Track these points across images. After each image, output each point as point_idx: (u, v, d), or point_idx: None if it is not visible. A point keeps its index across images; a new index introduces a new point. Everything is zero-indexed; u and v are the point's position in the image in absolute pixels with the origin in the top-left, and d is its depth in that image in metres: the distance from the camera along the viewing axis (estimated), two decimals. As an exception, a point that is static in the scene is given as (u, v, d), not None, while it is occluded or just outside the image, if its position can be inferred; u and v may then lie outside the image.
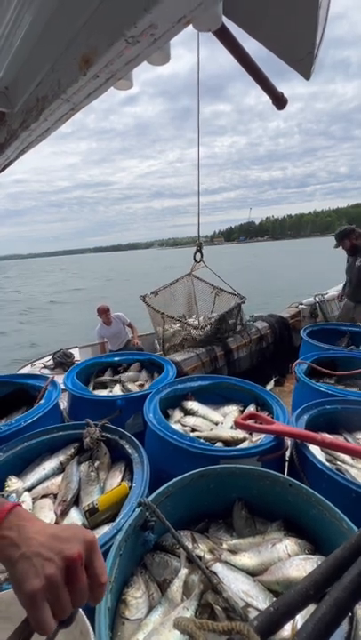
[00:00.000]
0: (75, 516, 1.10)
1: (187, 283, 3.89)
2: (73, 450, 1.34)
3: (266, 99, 1.37)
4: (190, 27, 0.66)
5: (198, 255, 3.53)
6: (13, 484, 1.18)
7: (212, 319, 3.32)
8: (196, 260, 3.59)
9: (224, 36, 1.15)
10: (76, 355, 4.13)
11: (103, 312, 3.95)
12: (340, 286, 4.05)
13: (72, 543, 0.41)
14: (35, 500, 1.17)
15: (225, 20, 1.06)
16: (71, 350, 4.21)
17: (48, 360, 4.08)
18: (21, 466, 1.29)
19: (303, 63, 1.10)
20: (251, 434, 1.43)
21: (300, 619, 0.53)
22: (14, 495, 1.13)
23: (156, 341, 3.84)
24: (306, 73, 1.12)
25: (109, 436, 1.33)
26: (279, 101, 1.43)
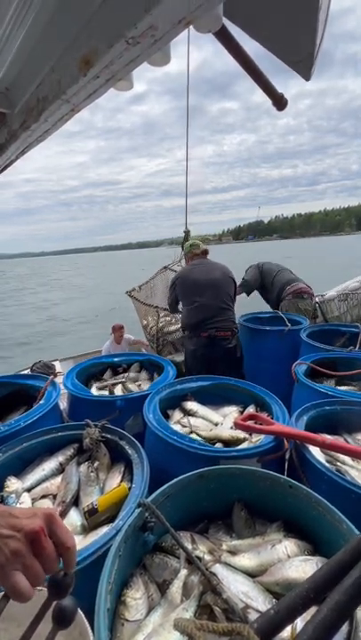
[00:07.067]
0: (74, 517, 1.10)
1: (163, 277, 3.93)
2: (72, 450, 1.34)
3: (273, 96, 1.37)
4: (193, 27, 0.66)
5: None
6: (13, 484, 1.17)
7: None
8: (183, 250, 3.60)
9: (224, 38, 1.16)
10: (58, 367, 4.09)
11: (117, 330, 4.10)
12: (341, 287, 4.04)
13: (32, 519, 0.45)
14: (34, 500, 1.16)
15: (226, 21, 1.06)
16: (52, 362, 4.17)
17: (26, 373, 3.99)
18: (21, 466, 1.29)
19: (303, 64, 1.10)
20: (250, 434, 1.43)
21: (300, 621, 0.53)
22: (13, 496, 1.13)
23: (144, 336, 3.85)
24: (306, 74, 1.13)
25: (109, 436, 1.33)
26: (279, 103, 1.43)
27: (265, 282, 3.68)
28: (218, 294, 2.54)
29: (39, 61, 0.76)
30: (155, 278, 3.99)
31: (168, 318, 3.47)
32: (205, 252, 2.86)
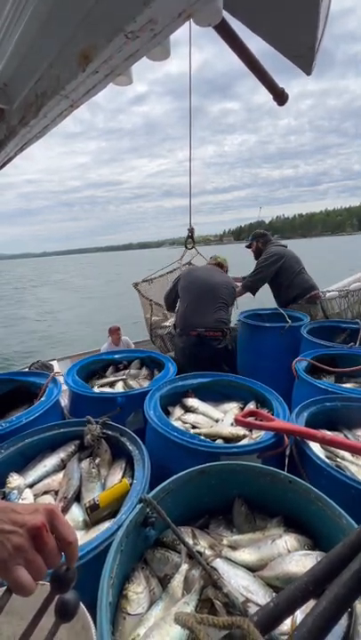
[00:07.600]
0: (76, 513, 1.10)
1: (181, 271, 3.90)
2: (74, 447, 1.35)
3: (274, 96, 1.37)
4: (194, 25, 0.66)
5: (190, 242, 3.51)
6: (15, 480, 1.18)
7: None
8: (187, 247, 3.59)
9: (225, 31, 1.14)
10: (56, 367, 4.09)
11: (114, 331, 4.06)
12: (342, 283, 4.03)
13: (34, 514, 0.46)
14: (36, 496, 1.17)
15: (226, 15, 1.05)
16: (50, 362, 4.16)
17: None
18: (22, 462, 1.30)
19: (304, 58, 1.09)
20: (251, 431, 1.44)
21: (299, 614, 0.54)
22: (16, 492, 1.14)
23: (146, 330, 3.86)
24: (307, 68, 1.12)
25: (110, 433, 1.34)
26: (280, 97, 1.42)
27: (282, 278, 3.35)
28: (213, 295, 2.58)
29: (38, 56, 0.75)
30: (173, 272, 3.86)
31: (162, 314, 3.47)
32: (219, 265, 2.96)
